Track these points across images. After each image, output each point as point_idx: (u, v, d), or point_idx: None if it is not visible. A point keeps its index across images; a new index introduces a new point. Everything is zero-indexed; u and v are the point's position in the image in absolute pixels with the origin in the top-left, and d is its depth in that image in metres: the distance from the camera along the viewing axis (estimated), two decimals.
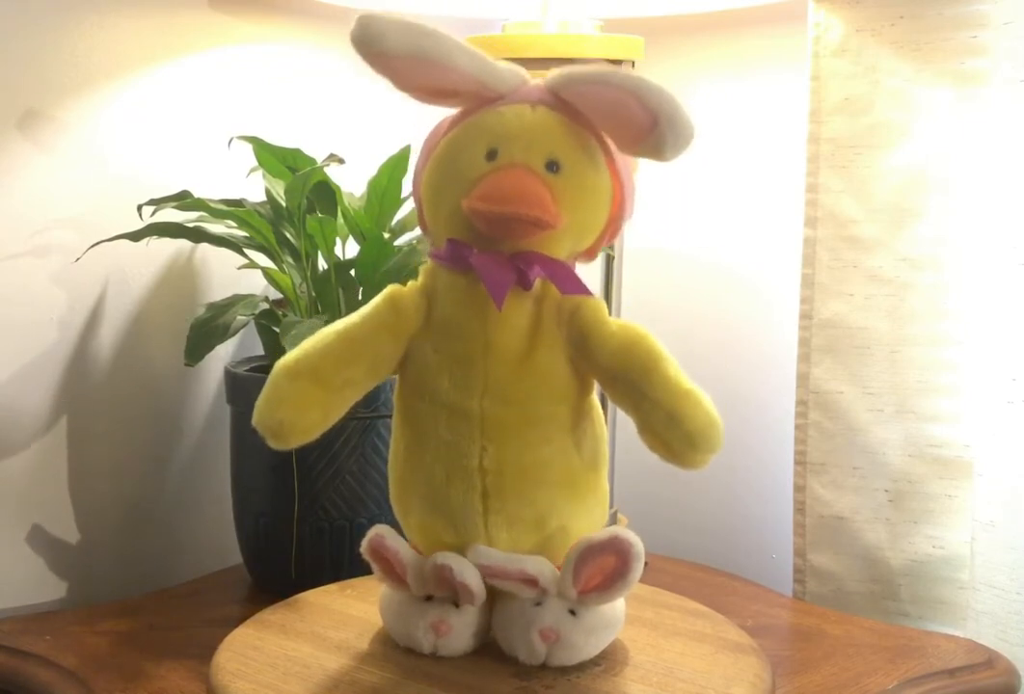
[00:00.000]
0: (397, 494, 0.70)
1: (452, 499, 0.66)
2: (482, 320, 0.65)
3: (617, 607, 0.69)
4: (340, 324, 0.67)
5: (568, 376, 0.66)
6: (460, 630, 0.67)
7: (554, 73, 0.64)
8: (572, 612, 0.66)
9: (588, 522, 0.69)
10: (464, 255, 0.64)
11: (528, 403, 0.65)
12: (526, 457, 0.65)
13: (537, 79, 0.66)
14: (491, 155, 0.63)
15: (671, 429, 0.62)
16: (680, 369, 0.63)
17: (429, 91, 0.64)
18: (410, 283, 0.68)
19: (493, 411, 0.65)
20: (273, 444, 0.65)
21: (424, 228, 0.69)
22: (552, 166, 0.63)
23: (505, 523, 0.66)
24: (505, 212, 0.61)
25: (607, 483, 0.71)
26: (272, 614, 0.75)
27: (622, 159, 0.66)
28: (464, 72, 0.62)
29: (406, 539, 0.70)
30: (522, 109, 0.64)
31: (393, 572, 0.68)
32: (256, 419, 0.65)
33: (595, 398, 0.69)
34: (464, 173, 0.63)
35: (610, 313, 0.67)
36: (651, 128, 0.60)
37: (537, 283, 0.65)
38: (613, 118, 0.62)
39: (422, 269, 0.68)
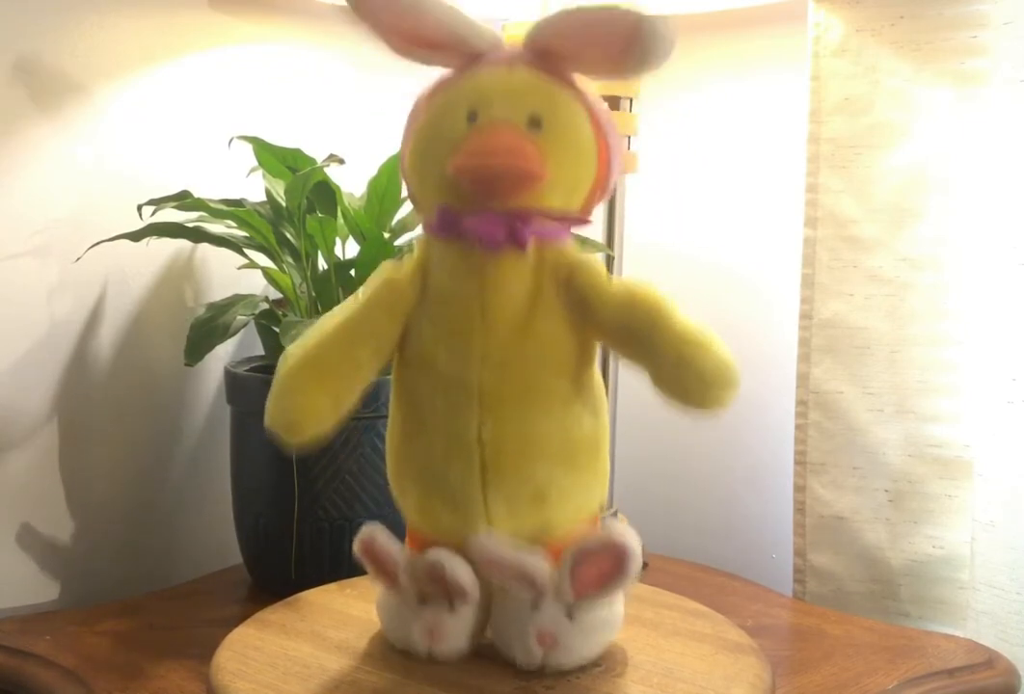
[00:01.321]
0: (395, 474, 0.69)
1: (451, 474, 0.65)
2: (478, 288, 0.63)
3: (615, 609, 0.68)
4: (338, 309, 0.66)
5: (569, 346, 0.65)
6: (456, 633, 0.67)
7: (527, 29, 0.64)
8: (569, 615, 0.66)
9: (587, 498, 0.68)
10: (455, 220, 0.63)
11: (527, 373, 0.64)
12: (525, 429, 0.64)
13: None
14: (472, 117, 0.63)
15: (682, 370, 0.61)
16: (687, 316, 0.62)
17: (406, 38, 0.63)
18: (405, 257, 0.67)
19: (491, 382, 0.64)
20: (288, 439, 0.63)
21: (415, 202, 0.68)
22: (534, 122, 0.62)
23: (504, 497, 0.65)
24: (490, 164, 0.60)
25: (608, 460, 0.69)
26: (272, 614, 0.75)
27: (605, 114, 0.65)
28: (439, 19, 0.62)
29: (405, 521, 0.69)
30: (499, 70, 0.63)
31: (385, 571, 0.68)
32: (267, 417, 0.64)
33: (597, 372, 0.68)
34: (447, 137, 0.63)
35: None
36: (635, 33, 0.59)
37: (533, 250, 0.63)
38: (594, 42, 0.61)
39: (416, 242, 0.67)
